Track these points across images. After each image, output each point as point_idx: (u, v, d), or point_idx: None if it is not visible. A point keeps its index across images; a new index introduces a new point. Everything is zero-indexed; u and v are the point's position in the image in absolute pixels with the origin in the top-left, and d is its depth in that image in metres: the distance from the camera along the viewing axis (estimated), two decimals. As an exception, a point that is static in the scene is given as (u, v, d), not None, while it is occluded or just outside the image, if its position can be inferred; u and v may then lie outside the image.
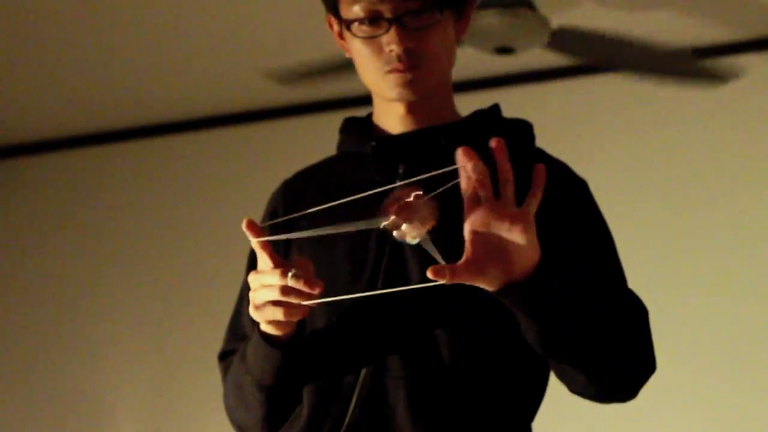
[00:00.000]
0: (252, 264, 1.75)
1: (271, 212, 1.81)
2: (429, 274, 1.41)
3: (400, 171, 1.69)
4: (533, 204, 1.45)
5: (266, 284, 1.53)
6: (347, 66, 3.51)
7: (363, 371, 1.62)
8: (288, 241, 1.74)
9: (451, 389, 1.60)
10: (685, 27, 4.25)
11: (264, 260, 1.54)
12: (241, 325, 1.81)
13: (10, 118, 5.05)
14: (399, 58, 1.66)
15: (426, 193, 1.57)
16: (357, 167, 1.74)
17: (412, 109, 1.72)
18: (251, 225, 1.52)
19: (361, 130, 1.78)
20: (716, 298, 4.31)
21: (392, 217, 1.44)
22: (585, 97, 4.59)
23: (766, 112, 4.43)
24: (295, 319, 1.55)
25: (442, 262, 1.45)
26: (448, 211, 1.57)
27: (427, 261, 1.53)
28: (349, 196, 1.65)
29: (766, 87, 4.42)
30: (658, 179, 4.46)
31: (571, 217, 1.67)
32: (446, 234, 1.56)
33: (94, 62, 4.47)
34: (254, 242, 1.54)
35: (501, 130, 1.71)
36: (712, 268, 4.34)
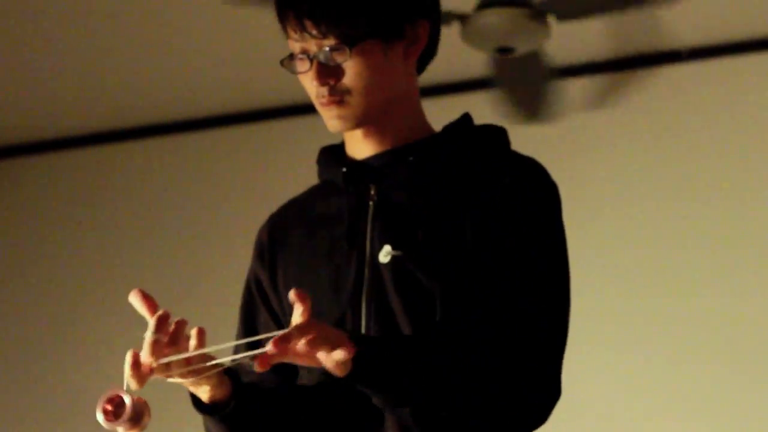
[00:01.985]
0: (253, 298, 1.84)
1: (259, 249, 1.86)
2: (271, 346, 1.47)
3: (372, 192, 1.73)
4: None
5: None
6: None
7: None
8: (274, 267, 1.81)
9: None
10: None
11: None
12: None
13: (10, 118, 5.05)
14: (320, 94, 1.71)
15: (396, 206, 1.65)
16: (333, 193, 1.78)
17: (367, 134, 1.76)
18: (142, 296, 1.71)
19: (333, 158, 1.81)
20: (716, 297, 4.31)
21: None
22: (585, 97, 4.58)
23: (765, 111, 4.44)
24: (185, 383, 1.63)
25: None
26: (427, 226, 1.66)
27: (406, 286, 1.62)
28: (327, 222, 1.75)
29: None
30: (658, 178, 4.46)
31: (510, 213, 1.68)
32: (427, 248, 1.64)
33: (94, 62, 4.47)
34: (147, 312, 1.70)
35: (471, 139, 1.76)
36: (713, 268, 4.34)
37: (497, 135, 1.78)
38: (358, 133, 1.76)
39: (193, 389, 1.66)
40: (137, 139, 5.17)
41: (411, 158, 1.73)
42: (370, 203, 1.73)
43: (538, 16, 3.49)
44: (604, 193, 4.35)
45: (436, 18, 1.79)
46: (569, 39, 4.03)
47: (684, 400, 4.26)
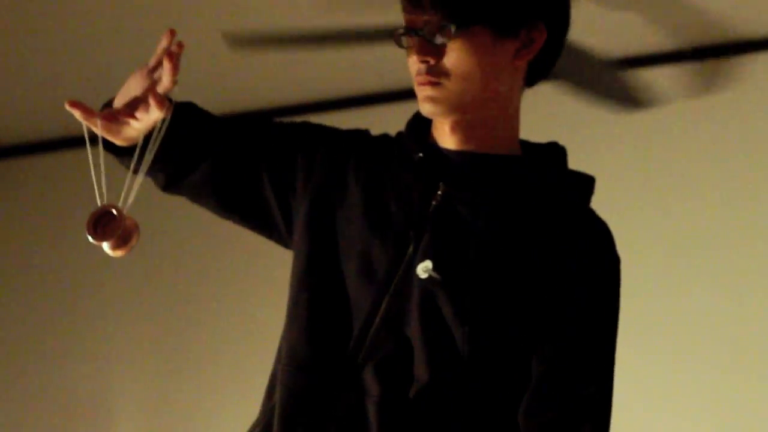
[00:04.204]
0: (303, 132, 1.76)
1: (347, 143, 1.75)
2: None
3: (439, 192, 1.64)
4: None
5: None
6: (306, 41, 3.50)
7: (343, 394, 1.61)
8: (333, 191, 1.70)
9: (424, 412, 1.58)
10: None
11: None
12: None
13: (10, 118, 5.05)
14: (419, 72, 1.63)
15: (457, 221, 1.57)
16: (407, 167, 1.69)
17: (455, 127, 1.67)
18: (76, 105, 1.71)
19: (416, 132, 1.72)
20: (716, 297, 4.30)
21: (89, 237, 1.54)
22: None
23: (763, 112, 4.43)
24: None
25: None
26: (479, 257, 1.58)
27: (430, 310, 1.57)
28: (392, 194, 1.65)
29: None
30: (658, 177, 4.46)
31: (582, 289, 1.62)
32: (469, 284, 1.57)
33: (94, 62, 4.47)
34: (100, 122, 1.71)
35: (557, 179, 1.68)
36: (713, 267, 4.34)
37: (585, 186, 1.71)
38: (445, 125, 1.67)
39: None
40: (137, 139, 5.17)
41: (490, 173, 1.64)
42: (432, 203, 1.64)
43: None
44: (604, 191, 4.36)
45: (559, 28, 1.68)
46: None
47: (683, 400, 4.26)
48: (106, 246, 1.53)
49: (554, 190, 1.66)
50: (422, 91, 1.63)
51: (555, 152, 1.71)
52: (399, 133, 1.75)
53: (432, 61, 1.61)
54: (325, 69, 4.54)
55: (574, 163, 1.77)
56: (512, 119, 1.69)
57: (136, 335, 4.98)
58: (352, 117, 4.51)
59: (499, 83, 1.65)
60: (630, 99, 3.93)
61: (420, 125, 1.72)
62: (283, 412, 1.65)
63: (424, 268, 1.59)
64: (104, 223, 1.54)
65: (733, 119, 4.43)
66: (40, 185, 5.29)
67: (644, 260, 4.35)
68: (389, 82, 4.45)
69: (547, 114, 4.22)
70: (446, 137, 1.68)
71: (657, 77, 4.32)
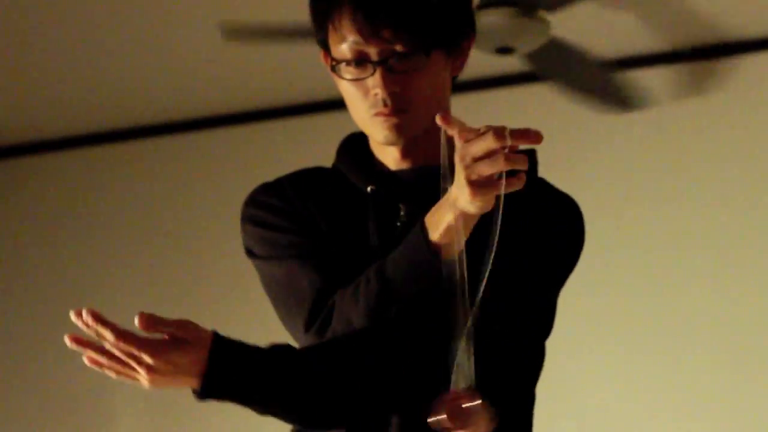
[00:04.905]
0: (289, 219, 1.71)
1: (280, 193, 1.74)
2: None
3: (402, 213, 1.64)
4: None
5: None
6: (302, 34, 3.51)
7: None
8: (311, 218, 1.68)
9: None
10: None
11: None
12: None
13: (10, 118, 5.05)
14: (384, 103, 1.61)
15: None
16: (355, 198, 1.69)
17: (406, 151, 1.67)
18: (147, 319, 1.63)
19: (358, 161, 1.71)
20: (712, 297, 4.31)
21: (443, 417, 1.41)
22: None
23: (763, 111, 4.43)
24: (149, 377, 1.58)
25: None
26: (482, 247, 1.54)
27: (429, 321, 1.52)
28: (349, 226, 1.64)
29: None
30: (657, 177, 4.46)
31: (537, 229, 1.63)
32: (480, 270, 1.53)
33: (94, 62, 4.47)
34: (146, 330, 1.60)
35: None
36: (713, 265, 4.34)
37: (530, 162, 1.70)
38: (395, 150, 1.68)
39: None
40: (137, 139, 5.17)
41: (445, 185, 1.61)
42: (398, 224, 1.64)
43: (530, 11, 3.49)
44: (602, 192, 4.36)
45: (473, 34, 1.70)
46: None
47: (683, 400, 4.26)
48: None
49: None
50: (386, 122, 1.62)
51: None
52: (335, 166, 1.74)
53: (397, 90, 1.61)
54: (325, 69, 4.54)
55: (567, 164, 1.77)
56: None
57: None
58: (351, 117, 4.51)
59: (446, 101, 1.68)
60: (620, 100, 3.94)
61: (355, 152, 1.72)
62: None
63: None
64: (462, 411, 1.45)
65: (723, 120, 4.44)
66: (40, 185, 5.30)
67: (636, 259, 4.35)
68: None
69: (539, 115, 4.23)
70: (394, 158, 1.69)
71: (647, 78, 4.33)
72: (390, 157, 1.69)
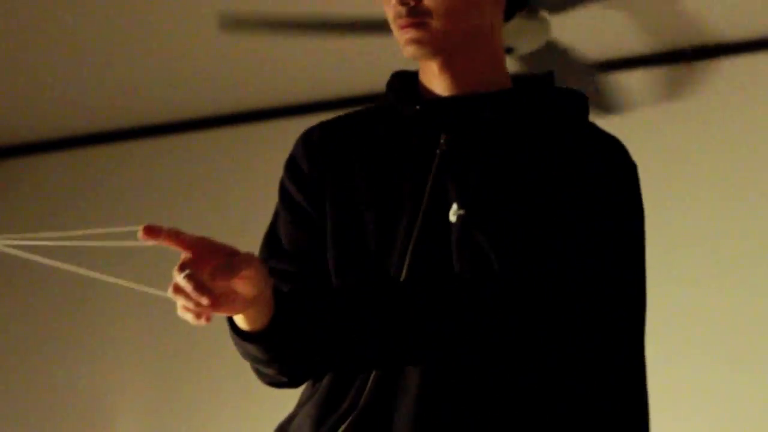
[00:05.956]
0: (287, 201, 1.69)
1: (291, 164, 1.71)
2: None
3: (441, 141, 1.59)
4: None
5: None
6: (302, 27, 3.51)
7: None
8: (322, 197, 1.64)
9: (466, 375, 1.52)
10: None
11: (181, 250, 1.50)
12: (274, 241, 1.70)
13: (10, 118, 5.05)
14: (400, 14, 1.58)
15: (466, 162, 1.53)
16: (398, 125, 1.64)
17: (444, 68, 1.62)
18: (150, 231, 1.52)
19: (406, 89, 1.66)
20: (707, 297, 4.31)
21: None
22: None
23: (764, 111, 4.44)
24: (202, 323, 1.47)
25: None
26: (497, 188, 1.53)
27: (465, 249, 1.50)
28: (387, 158, 1.59)
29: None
30: (659, 175, 4.46)
31: (599, 192, 1.56)
32: (490, 209, 1.52)
33: (94, 62, 4.47)
34: (165, 243, 1.53)
35: (552, 102, 1.63)
36: (713, 264, 4.35)
37: (580, 102, 1.65)
38: (433, 66, 1.62)
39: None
40: (137, 139, 5.17)
41: (489, 112, 1.59)
42: (437, 152, 1.59)
43: (533, 12, 3.49)
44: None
45: None
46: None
47: (682, 400, 4.26)
48: None
49: (552, 112, 1.62)
50: (405, 34, 1.58)
51: (543, 78, 1.67)
52: (378, 102, 1.70)
53: (413, 2, 1.57)
54: (325, 69, 4.54)
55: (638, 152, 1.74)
56: (497, 54, 1.65)
57: (137, 335, 4.99)
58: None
59: (482, 18, 1.61)
60: (602, 102, 3.96)
61: (405, 82, 1.68)
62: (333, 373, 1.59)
63: (453, 212, 1.54)
64: None
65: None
66: (39, 185, 5.30)
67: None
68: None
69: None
70: (436, 83, 1.64)
71: (629, 80, 4.34)
72: (431, 81, 1.65)
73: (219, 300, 1.46)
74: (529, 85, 1.66)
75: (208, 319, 1.46)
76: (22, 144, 5.31)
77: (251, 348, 1.52)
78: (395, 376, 1.52)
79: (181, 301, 1.50)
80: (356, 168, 1.64)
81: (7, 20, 4.09)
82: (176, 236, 1.53)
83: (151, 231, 1.52)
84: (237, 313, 1.49)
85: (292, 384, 1.61)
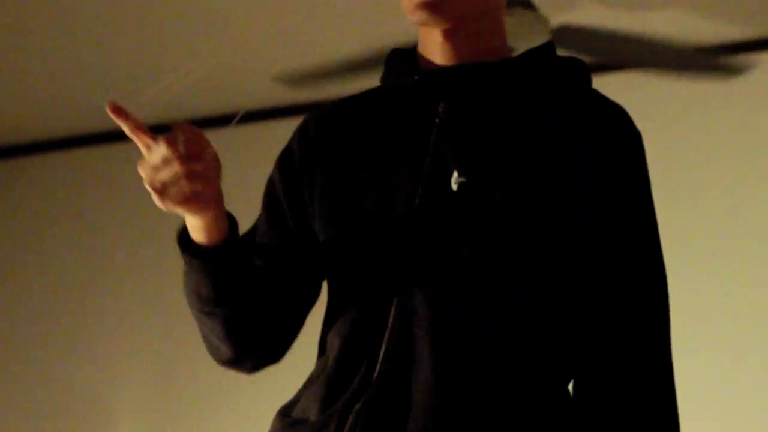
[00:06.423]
0: (269, 198, 1.74)
1: (302, 141, 1.78)
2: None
3: (440, 109, 1.59)
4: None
5: (158, 163, 1.57)
6: (352, 69, 3.50)
7: (391, 320, 1.53)
8: (312, 169, 1.71)
9: (478, 340, 1.52)
10: (688, 26, 4.25)
11: (143, 143, 1.60)
12: (251, 233, 1.76)
13: (10, 118, 5.05)
14: None
15: (466, 130, 1.54)
16: (396, 102, 1.64)
17: (449, 37, 1.61)
18: (115, 110, 1.55)
19: (404, 63, 1.66)
20: (704, 297, 4.31)
21: None
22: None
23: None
24: (201, 191, 1.57)
25: None
26: (498, 155, 1.53)
27: (467, 216, 1.50)
28: (385, 133, 1.60)
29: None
30: (663, 174, 4.46)
31: (619, 181, 1.57)
32: (492, 176, 1.52)
33: (94, 62, 4.47)
34: (126, 127, 1.56)
35: (553, 70, 1.64)
36: (714, 262, 4.35)
37: (581, 70, 1.65)
38: (438, 36, 1.61)
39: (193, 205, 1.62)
40: (137, 139, 5.17)
41: (488, 79, 1.60)
42: (436, 121, 1.58)
43: (538, 15, 3.49)
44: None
45: None
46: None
47: (681, 399, 4.26)
48: None
49: (552, 78, 1.63)
50: None
51: (543, 48, 1.67)
52: (372, 90, 1.72)
53: None
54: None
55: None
56: (500, 28, 1.66)
57: (136, 335, 4.99)
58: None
59: None
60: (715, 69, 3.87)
61: (404, 57, 1.67)
62: (339, 350, 1.58)
63: (454, 180, 1.54)
64: None
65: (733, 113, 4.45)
66: (40, 185, 5.30)
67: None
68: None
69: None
70: (438, 53, 1.62)
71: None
72: (432, 51, 1.64)
73: (195, 181, 1.58)
74: (530, 55, 1.66)
75: (187, 201, 1.59)
76: (22, 144, 5.31)
77: (197, 270, 1.68)
78: (405, 347, 1.52)
79: (165, 174, 1.61)
80: (355, 143, 1.65)
81: (7, 20, 4.09)
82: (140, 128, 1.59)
83: (118, 112, 1.59)
84: (203, 209, 1.62)
85: (241, 360, 1.65)
